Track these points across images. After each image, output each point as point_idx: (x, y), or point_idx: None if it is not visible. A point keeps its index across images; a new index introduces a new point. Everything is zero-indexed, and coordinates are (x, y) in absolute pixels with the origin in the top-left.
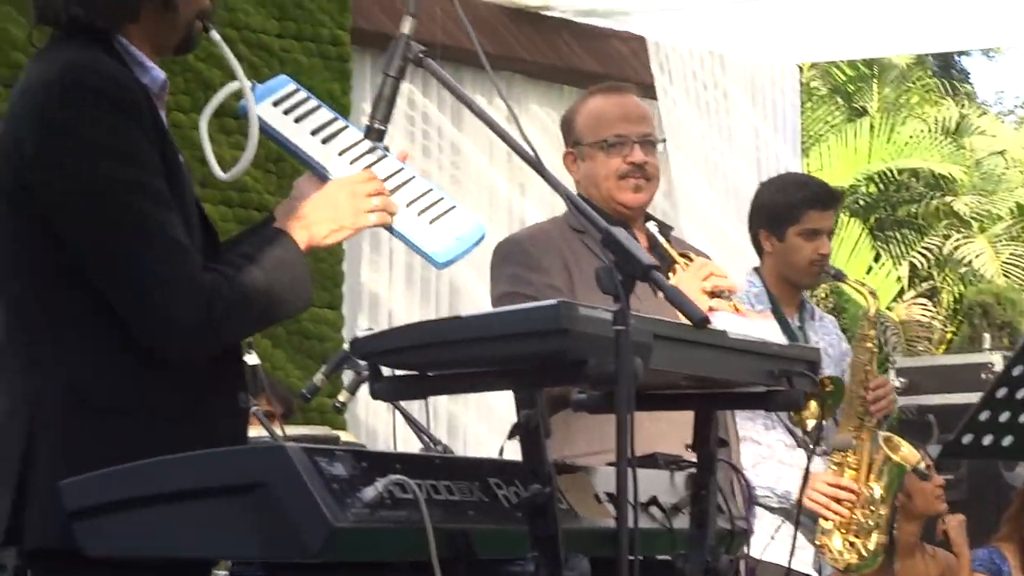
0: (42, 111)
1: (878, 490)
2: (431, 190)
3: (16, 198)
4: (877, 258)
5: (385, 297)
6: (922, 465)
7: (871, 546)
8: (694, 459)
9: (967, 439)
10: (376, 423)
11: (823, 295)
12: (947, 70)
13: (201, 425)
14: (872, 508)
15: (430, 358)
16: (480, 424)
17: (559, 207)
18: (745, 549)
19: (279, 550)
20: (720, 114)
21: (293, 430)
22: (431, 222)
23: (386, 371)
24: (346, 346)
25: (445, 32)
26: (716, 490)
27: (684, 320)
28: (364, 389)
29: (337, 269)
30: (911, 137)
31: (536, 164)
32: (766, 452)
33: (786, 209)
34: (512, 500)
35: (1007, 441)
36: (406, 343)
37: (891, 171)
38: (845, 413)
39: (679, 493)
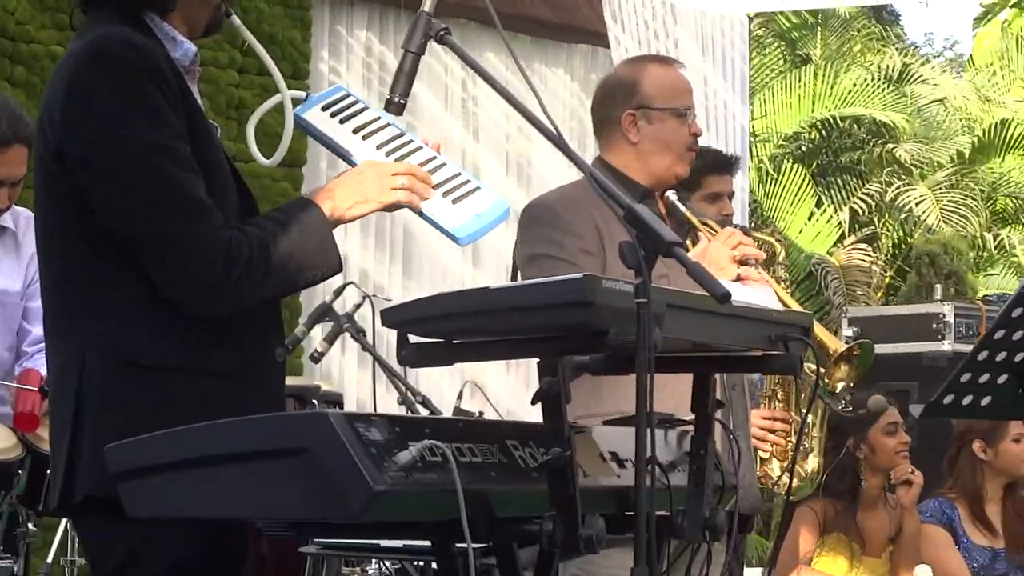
0: (68, 80)
1: (811, 418)
2: (459, 174)
3: (50, 167)
4: (819, 204)
5: (340, 240)
6: (844, 394)
7: (807, 469)
8: (685, 418)
9: (948, 399)
10: (331, 368)
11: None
12: (879, 13)
13: (239, 379)
14: (807, 433)
15: (457, 327)
16: (432, 369)
17: (513, 154)
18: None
19: (321, 512)
20: None
21: None
22: (454, 202)
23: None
24: (327, 298)
25: None
26: (713, 450)
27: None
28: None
29: None
30: (854, 85)
31: (558, 141)
32: None
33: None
34: (529, 461)
35: (986, 401)
36: (435, 312)
37: (834, 118)
38: None
39: (673, 451)
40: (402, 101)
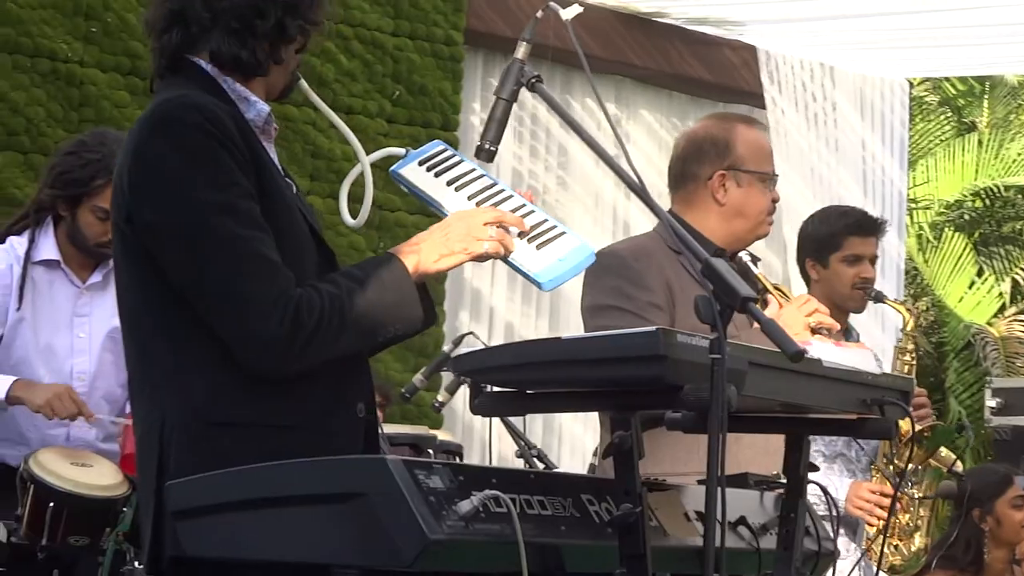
0: (136, 144)
1: (918, 494)
2: (546, 220)
3: (123, 230)
4: (980, 273)
5: (487, 294)
6: (958, 467)
7: (913, 547)
8: (784, 480)
9: None
10: (472, 420)
11: (924, 308)
12: None
13: (319, 436)
14: (912, 511)
15: (529, 377)
16: (575, 422)
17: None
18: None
19: (375, 558)
20: (828, 126)
21: (393, 429)
22: (538, 247)
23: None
24: (446, 347)
25: (556, 35)
26: (804, 513)
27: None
28: (462, 389)
29: None
30: (1019, 154)
31: (640, 191)
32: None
33: (829, 237)
34: (604, 516)
35: None
36: (506, 362)
37: (998, 187)
38: None
39: (768, 514)
40: (493, 148)
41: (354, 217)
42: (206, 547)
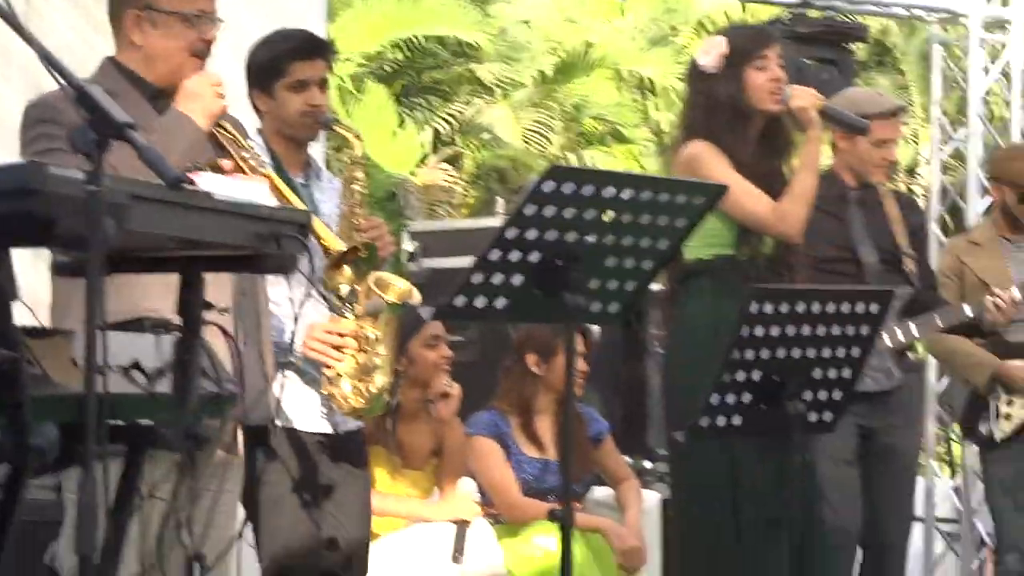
0: None
1: (374, 332)
2: None
3: None
4: (402, 123)
5: None
6: (415, 300)
7: (374, 388)
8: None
9: (460, 301)
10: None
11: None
12: None
13: None
14: (370, 349)
15: None
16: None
17: None
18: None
19: None
20: None
21: None
22: None
23: None
24: None
25: None
26: (199, 354)
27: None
28: None
29: None
30: (439, 4)
31: (10, 18)
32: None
33: (272, 64)
34: None
35: (501, 304)
36: None
37: (417, 38)
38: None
39: (165, 357)
40: None
41: None
42: None
